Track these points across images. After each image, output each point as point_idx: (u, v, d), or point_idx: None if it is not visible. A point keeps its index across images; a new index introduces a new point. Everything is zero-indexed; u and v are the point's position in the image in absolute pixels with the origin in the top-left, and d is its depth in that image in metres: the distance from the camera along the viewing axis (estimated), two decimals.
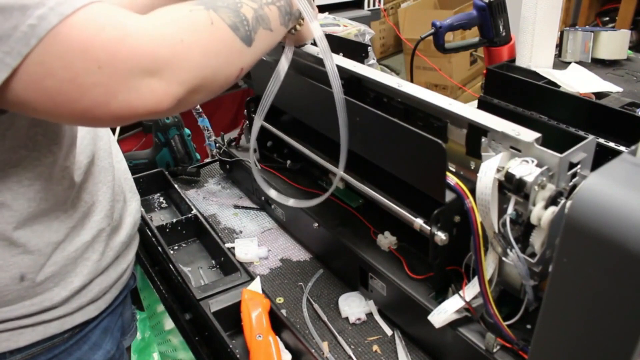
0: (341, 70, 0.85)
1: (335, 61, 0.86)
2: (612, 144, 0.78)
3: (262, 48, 0.60)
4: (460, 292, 0.66)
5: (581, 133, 0.70)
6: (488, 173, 0.58)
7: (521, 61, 0.99)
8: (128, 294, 0.81)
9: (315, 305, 0.84)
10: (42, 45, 0.45)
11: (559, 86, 0.91)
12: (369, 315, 0.82)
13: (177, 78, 0.50)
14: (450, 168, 0.72)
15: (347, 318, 0.82)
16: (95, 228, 0.68)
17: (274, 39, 0.64)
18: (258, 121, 0.77)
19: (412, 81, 0.97)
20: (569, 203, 0.51)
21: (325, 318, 0.82)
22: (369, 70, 0.82)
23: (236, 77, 0.58)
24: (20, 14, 0.44)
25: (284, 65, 0.72)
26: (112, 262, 0.72)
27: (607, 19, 2.75)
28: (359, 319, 0.81)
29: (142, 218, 1.04)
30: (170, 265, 0.93)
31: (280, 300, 0.86)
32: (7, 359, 0.63)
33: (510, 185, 0.57)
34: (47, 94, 0.47)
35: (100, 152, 0.71)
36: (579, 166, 0.58)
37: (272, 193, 0.86)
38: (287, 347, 0.79)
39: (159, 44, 0.49)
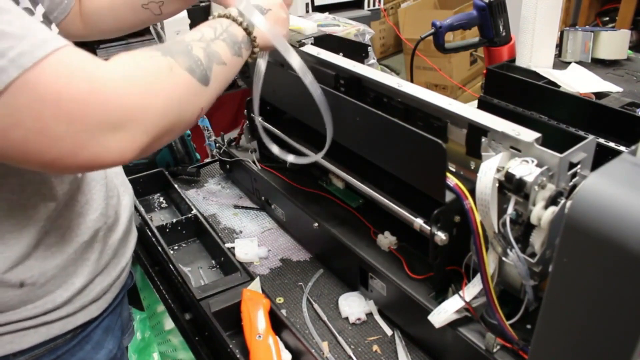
0: (341, 70, 0.85)
1: (335, 61, 0.86)
2: (612, 144, 0.78)
3: (219, 83, 0.60)
4: (460, 292, 0.66)
5: (581, 133, 0.70)
6: (488, 173, 0.58)
7: (521, 61, 0.99)
8: (126, 293, 0.81)
9: (315, 305, 0.84)
10: (5, 97, 0.44)
11: (559, 86, 0.91)
12: (369, 315, 0.82)
13: (142, 130, 0.50)
14: (450, 168, 0.72)
15: (347, 318, 0.82)
16: (92, 227, 0.68)
17: (231, 72, 0.63)
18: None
19: (412, 81, 0.97)
20: (569, 203, 0.51)
21: (325, 318, 0.82)
22: (369, 70, 0.82)
23: (197, 118, 0.59)
24: None
25: (261, 66, 0.73)
26: (110, 260, 0.72)
27: (607, 19, 2.75)
28: (359, 319, 0.81)
29: (142, 218, 1.04)
30: (170, 265, 0.93)
31: (280, 300, 0.86)
32: None
33: (510, 185, 0.57)
34: (15, 144, 0.46)
35: None
36: (579, 166, 0.58)
37: (275, 149, 0.86)
38: (287, 347, 0.79)
39: (126, 98, 0.49)
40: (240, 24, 0.65)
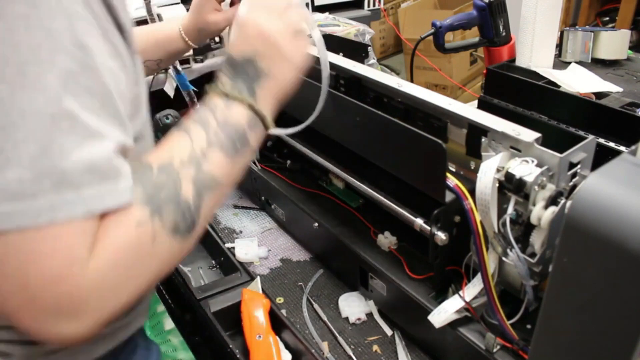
0: (341, 70, 0.85)
1: (335, 61, 0.86)
2: (612, 144, 0.78)
3: (209, 215, 0.53)
4: (460, 292, 0.66)
5: (581, 133, 0.70)
6: (488, 173, 0.58)
7: (521, 61, 0.99)
8: None
9: (315, 305, 0.84)
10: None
11: (559, 86, 0.91)
12: (369, 315, 0.82)
13: (100, 318, 0.46)
14: (450, 168, 0.72)
15: (347, 318, 0.82)
16: None
17: (227, 188, 0.56)
18: None
19: (412, 81, 0.97)
20: (569, 203, 0.51)
21: (325, 318, 0.82)
22: (369, 70, 0.82)
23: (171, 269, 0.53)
24: (51, 187, 0.41)
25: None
26: None
27: (607, 19, 2.75)
28: (359, 319, 0.81)
29: None
30: None
31: (280, 300, 0.86)
32: None
33: (510, 185, 0.57)
34: None
35: None
36: (579, 166, 0.58)
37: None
38: (287, 347, 0.79)
39: (98, 293, 0.44)
40: (241, 101, 0.54)
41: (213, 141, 0.52)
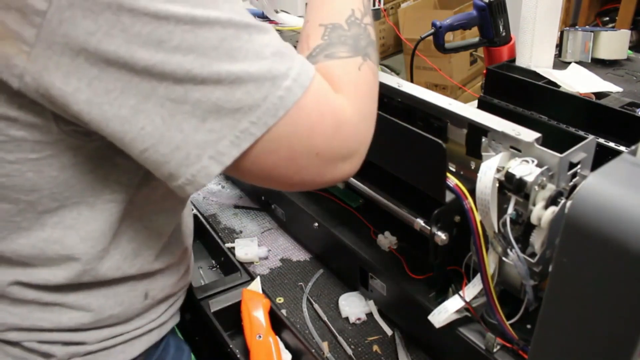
0: None
1: None
2: (612, 144, 0.78)
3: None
4: (460, 292, 0.66)
5: (581, 133, 0.70)
6: (488, 173, 0.58)
7: (521, 61, 0.98)
8: None
9: (315, 305, 0.84)
10: (285, 118, 0.45)
11: (559, 86, 0.91)
12: (369, 315, 0.82)
13: (364, 153, 0.54)
14: (450, 168, 0.72)
15: (347, 318, 0.82)
16: (189, 245, 0.73)
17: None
18: None
19: (412, 81, 0.97)
20: (569, 203, 0.51)
21: (325, 318, 0.82)
22: None
23: None
24: (271, 84, 0.45)
25: None
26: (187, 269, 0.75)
27: (607, 19, 2.74)
28: (359, 319, 0.81)
29: None
30: None
31: (280, 300, 0.86)
32: None
33: (510, 185, 0.57)
34: (265, 168, 0.48)
35: None
36: (579, 166, 0.58)
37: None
38: (287, 347, 0.79)
39: (360, 132, 0.52)
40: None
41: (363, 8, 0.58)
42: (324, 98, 0.49)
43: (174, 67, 0.42)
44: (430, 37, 1.11)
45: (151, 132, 0.44)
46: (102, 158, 0.53)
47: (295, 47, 0.53)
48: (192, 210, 0.77)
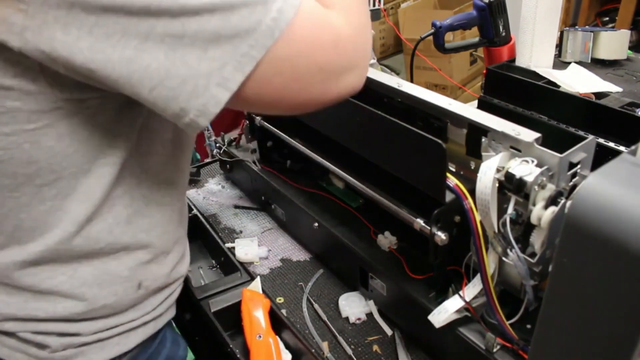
0: None
1: None
2: (612, 144, 0.78)
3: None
4: (460, 292, 0.66)
5: (581, 133, 0.70)
6: (488, 173, 0.58)
7: (521, 61, 0.98)
8: None
9: (315, 305, 0.84)
10: (282, 39, 0.47)
11: (559, 86, 0.91)
12: (369, 315, 0.82)
13: (367, 63, 0.56)
14: (450, 168, 0.72)
15: (347, 318, 0.82)
16: (184, 235, 0.74)
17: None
18: None
19: (412, 81, 0.97)
20: (569, 203, 0.51)
21: (325, 318, 0.82)
22: (369, 70, 0.82)
23: None
24: (263, 7, 0.46)
25: None
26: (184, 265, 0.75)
27: (607, 19, 2.74)
28: (359, 319, 0.81)
29: None
30: None
31: (280, 300, 0.86)
32: None
33: (510, 185, 0.57)
34: (272, 91, 0.50)
35: None
36: (579, 166, 0.58)
37: None
38: (287, 347, 0.79)
39: (358, 43, 0.54)
40: None
41: None
42: (317, 15, 0.50)
43: (169, 2, 0.44)
44: (430, 37, 1.11)
45: (157, 68, 0.45)
46: (96, 125, 0.54)
47: None
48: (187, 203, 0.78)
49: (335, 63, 0.52)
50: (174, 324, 0.79)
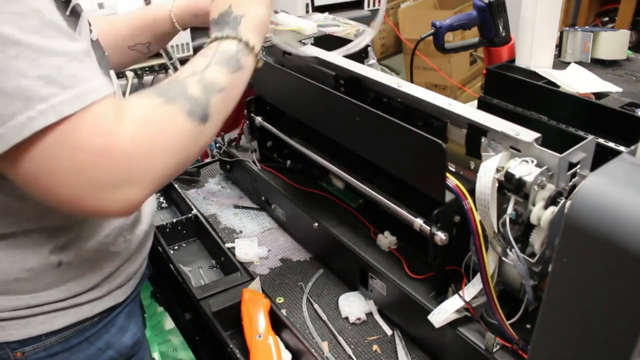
0: (341, 70, 0.85)
1: (334, 61, 0.86)
2: (611, 144, 0.78)
3: (221, 112, 0.61)
4: (460, 292, 0.66)
5: (581, 133, 0.70)
6: (488, 173, 0.58)
7: (521, 61, 0.99)
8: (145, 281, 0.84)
9: (315, 305, 0.84)
10: (34, 137, 0.47)
11: (558, 86, 0.91)
12: (369, 315, 0.83)
13: (144, 186, 0.53)
14: (450, 168, 0.72)
15: (347, 318, 0.82)
16: (122, 218, 0.71)
17: (234, 91, 0.63)
18: None
19: (412, 81, 0.97)
20: (568, 203, 0.51)
21: (325, 318, 0.82)
22: (369, 71, 0.82)
23: (198, 155, 0.61)
24: (23, 105, 0.46)
25: None
26: (136, 249, 0.74)
27: (607, 19, 2.74)
28: (359, 319, 0.81)
29: None
30: (171, 265, 0.93)
31: (280, 300, 0.86)
32: (42, 341, 0.65)
33: (510, 185, 0.57)
34: (28, 176, 0.50)
35: None
36: (578, 166, 0.58)
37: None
38: (287, 347, 0.79)
39: (133, 163, 0.51)
40: (227, 38, 0.63)
41: (211, 62, 0.61)
42: (94, 124, 0.50)
43: None
44: (430, 37, 1.11)
45: None
46: None
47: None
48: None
49: (99, 172, 0.50)
50: (144, 311, 0.79)
